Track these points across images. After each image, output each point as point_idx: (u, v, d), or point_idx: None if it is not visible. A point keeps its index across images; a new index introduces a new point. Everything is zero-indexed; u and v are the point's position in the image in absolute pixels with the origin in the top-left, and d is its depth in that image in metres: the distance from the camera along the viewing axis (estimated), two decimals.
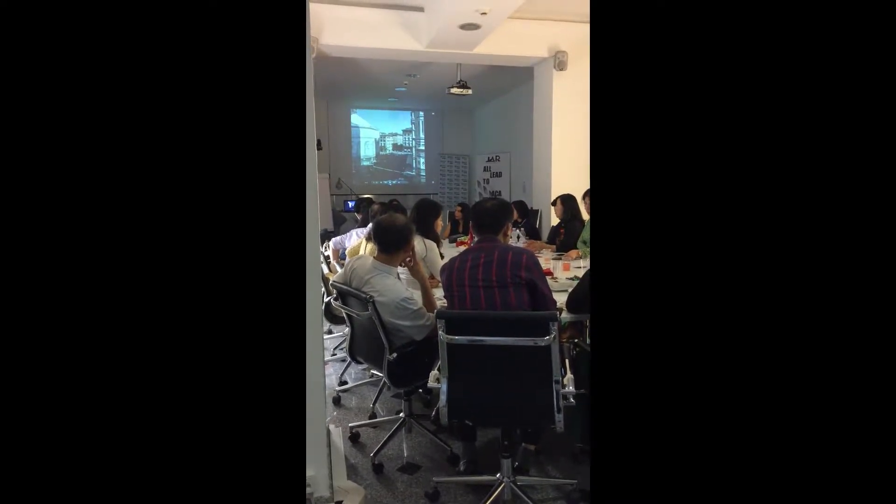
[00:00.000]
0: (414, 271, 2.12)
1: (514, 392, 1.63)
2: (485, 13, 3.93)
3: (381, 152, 9.31)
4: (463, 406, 1.66)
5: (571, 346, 2.02)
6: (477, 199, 8.50)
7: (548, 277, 2.76)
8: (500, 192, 7.94)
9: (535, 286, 1.79)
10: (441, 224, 2.99)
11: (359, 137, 9.11)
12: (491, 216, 1.94)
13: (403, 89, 7.51)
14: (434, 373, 1.68)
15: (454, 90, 5.67)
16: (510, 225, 2.01)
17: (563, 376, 1.62)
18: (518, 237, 4.59)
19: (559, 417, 1.59)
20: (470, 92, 5.73)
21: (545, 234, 5.11)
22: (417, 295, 2.07)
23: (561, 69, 5.06)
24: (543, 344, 1.52)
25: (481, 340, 1.55)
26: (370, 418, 2.52)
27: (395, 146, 9.38)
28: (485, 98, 8.06)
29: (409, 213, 5.89)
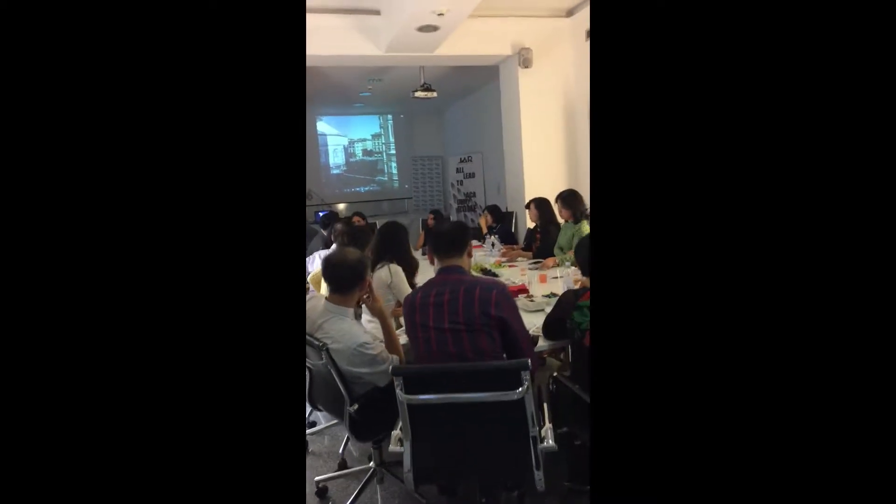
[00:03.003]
0: (373, 308, 1.92)
1: (486, 451, 1.45)
2: (442, 14, 3.74)
3: (350, 159, 9.05)
4: (430, 470, 1.47)
5: (550, 382, 1.84)
6: (451, 203, 8.32)
7: (522, 297, 2.59)
8: (474, 193, 7.76)
9: (507, 325, 1.60)
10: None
11: (326, 145, 8.84)
12: (449, 239, 1.75)
13: (368, 94, 7.28)
14: (396, 433, 1.48)
15: (418, 94, 5.46)
16: (472, 243, 1.82)
17: (542, 426, 1.44)
18: (493, 244, 4.42)
19: (539, 475, 1.41)
20: (435, 95, 5.53)
21: (522, 236, 4.94)
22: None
23: (526, 66, 4.89)
24: (515, 398, 1.33)
25: (444, 399, 1.36)
26: (339, 467, 2.32)
27: (366, 152, 9.14)
28: (453, 97, 7.86)
29: (377, 225, 5.70)
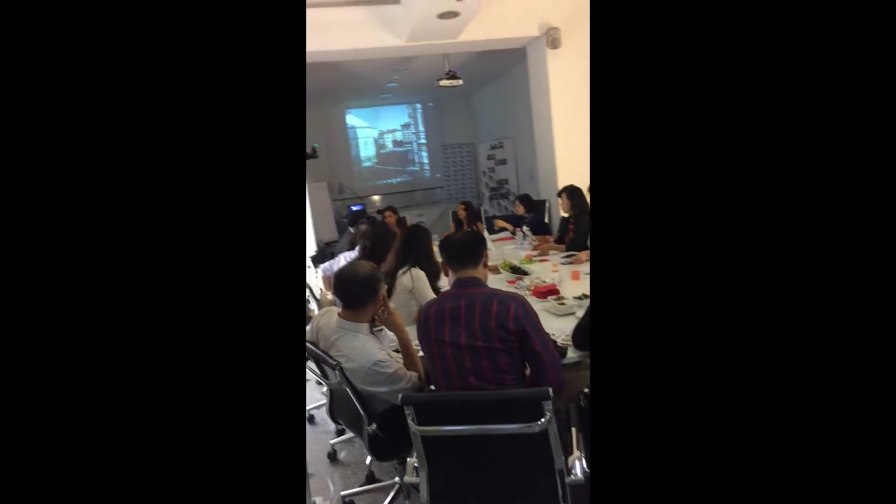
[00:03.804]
0: (389, 323, 1.83)
1: (508, 483, 1.33)
2: None
3: (381, 151, 8.99)
4: (449, 501, 1.37)
5: (581, 398, 1.71)
6: (483, 191, 8.16)
7: (552, 299, 2.44)
8: (506, 180, 7.57)
9: (528, 339, 1.47)
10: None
11: (356, 138, 8.80)
12: (463, 248, 1.62)
13: (395, 84, 7.16)
14: (411, 461, 1.39)
15: (443, 82, 5.31)
16: (488, 254, 1.69)
17: (569, 455, 1.31)
18: (524, 235, 4.26)
19: None
20: (461, 82, 5.36)
21: (556, 226, 4.75)
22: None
23: (554, 47, 4.65)
24: (538, 430, 1.21)
25: (458, 431, 1.25)
26: (367, 479, 2.26)
27: (396, 142, 9.05)
28: (482, 83, 7.65)
29: (406, 220, 5.61)
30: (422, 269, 2.41)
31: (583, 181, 3.81)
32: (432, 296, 2.28)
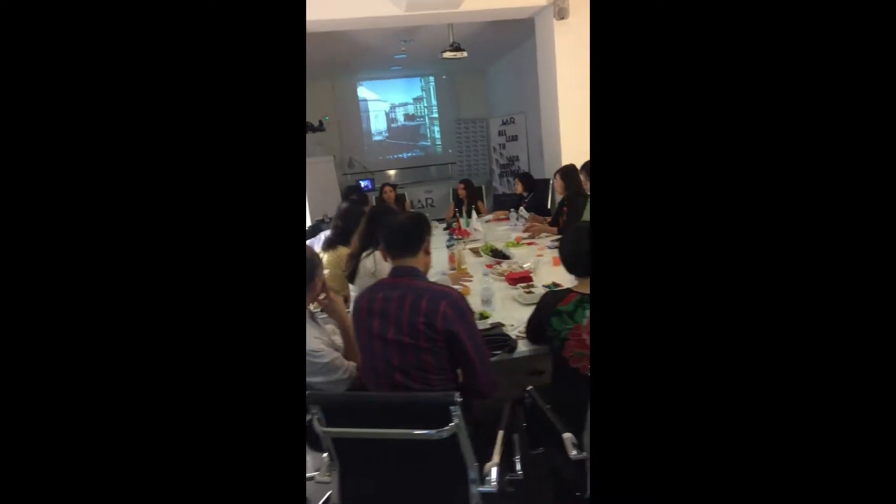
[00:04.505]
0: (330, 310, 1.75)
1: (424, 492, 1.25)
2: None
3: (392, 125, 8.84)
4: None
5: (526, 395, 1.61)
6: (494, 168, 7.96)
7: (521, 287, 2.33)
8: (517, 157, 7.37)
9: (456, 340, 1.37)
10: None
11: (368, 111, 8.66)
12: (400, 234, 1.52)
13: (404, 56, 6.97)
14: (324, 458, 1.32)
15: (447, 54, 5.11)
16: (430, 240, 1.59)
17: (487, 462, 1.23)
18: (517, 217, 4.12)
19: None
20: (465, 55, 5.15)
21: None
22: None
23: (562, 17, 4.41)
24: (445, 436, 1.13)
25: (364, 433, 1.18)
26: None
27: (407, 116, 8.87)
28: (496, 54, 7.39)
29: (405, 196, 5.48)
30: None
31: (587, 159, 3.63)
32: None
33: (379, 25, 4.81)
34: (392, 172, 8.63)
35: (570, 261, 1.62)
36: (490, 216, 4.71)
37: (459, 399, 1.10)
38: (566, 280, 2.44)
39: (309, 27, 4.37)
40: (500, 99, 8.15)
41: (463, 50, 5.12)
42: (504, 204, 5.26)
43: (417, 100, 8.84)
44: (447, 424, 1.12)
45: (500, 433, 1.33)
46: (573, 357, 1.52)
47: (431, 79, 8.77)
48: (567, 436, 1.32)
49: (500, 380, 1.46)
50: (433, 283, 1.51)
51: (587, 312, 1.50)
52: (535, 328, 1.67)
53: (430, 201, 7.64)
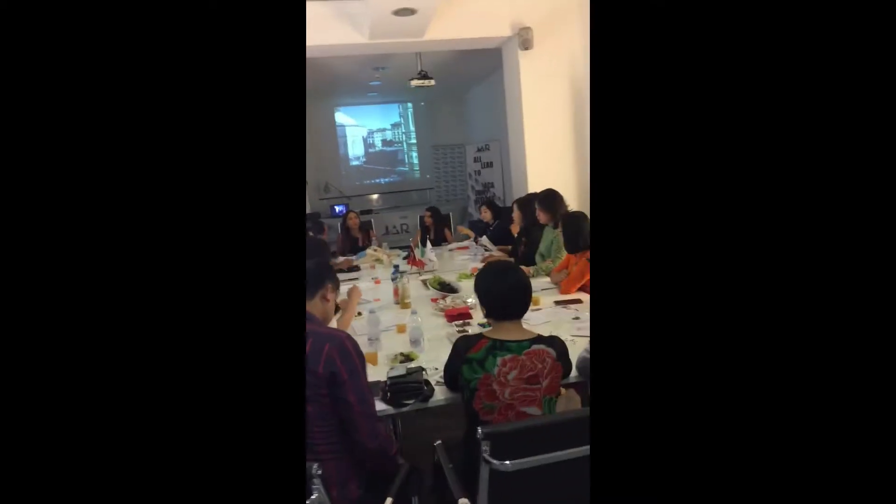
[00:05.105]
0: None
1: None
2: None
3: (370, 150, 8.82)
4: None
5: (436, 451, 1.50)
6: (469, 194, 7.93)
7: (455, 324, 2.24)
8: (492, 183, 7.35)
9: (337, 382, 1.27)
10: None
11: (345, 136, 8.64)
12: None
13: (378, 83, 6.98)
14: None
15: (415, 82, 5.11)
16: (330, 288, 1.50)
17: None
18: (479, 245, 4.05)
19: None
20: (433, 83, 5.16)
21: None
22: None
23: (526, 48, 4.42)
24: None
25: None
26: None
27: (385, 142, 8.87)
28: (474, 81, 7.42)
29: (371, 224, 5.38)
30: None
31: (553, 186, 3.57)
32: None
33: (344, 53, 4.80)
34: (375, 197, 8.58)
35: (484, 301, 1.53)
36: (454, 245, 4.63)
37: (319, 471, 0.99)
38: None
39: None
40: (477, 125, 8.18)
41: (431, 78, 5.13)
42: (479, 231, 5.20)
43: (395, 125, 8.85)
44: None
45: (389, 501, 1.22)
46: (483, 409, 1.42)
47: (410, 105, 8.79)
48: (463, 501, 1.21)
49: (392, 445, 1.35)
50: (326, 328, 1.42)
51: (498, 361, 1.41)
52: (451, 375, 1.57)
53: (404, 227, 7.57)
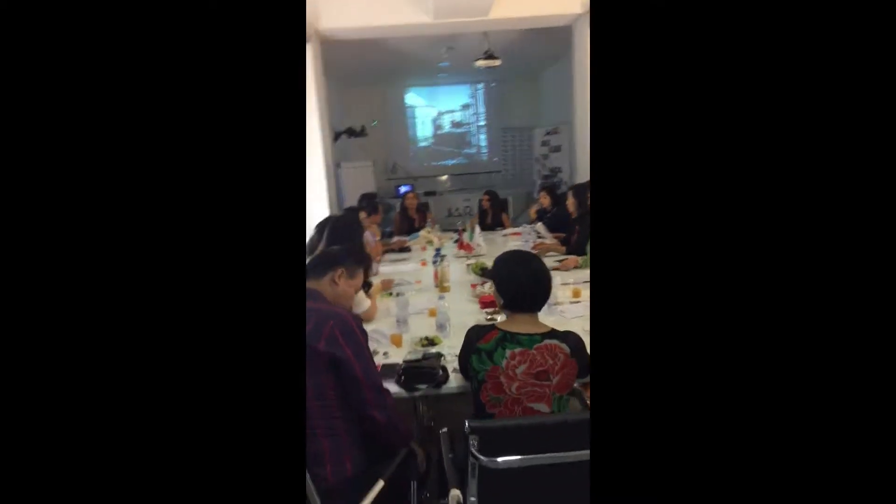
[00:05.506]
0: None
1: None
2: None
3: (438, 131, 8.81)
4: None
5: (442, 436, 1.48)
6: (535, 178, 7.73)
7: (486, 311, 2.19)
8: (560, 168, 7.11)
9: (341, 366, 1.28)
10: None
11: (414, 118, 8.68)
12: (314, 259, 1.45)
13: (447, 64, 6.92)
14: None
15: (480, 62, 5.01)
16: (343, 273, 1.50)
17: None
18: (532, 232, 3.94)
19: None
20: (498, 63, 5.03)
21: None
22: None
23: None
24: None
25: None
26: None
27: (454, 123, 8.81)
28: (548, 62, 7.18)
29: (428, 206, 5.38)
30: None
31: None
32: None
33: (409, 33, 4.78)
34: (443, 178, 8.59)
35: (500, 290, 1.48)
36: (509, 231, 4.54)
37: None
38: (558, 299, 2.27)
39: (345, 35, 4.42)
40: (549, 108, 7.91)
41: (497, 58, 5.00)
42: (541, 217, 5.07)
43: (465, 107, 8.76)
44: None
45: (380, 483, 1.21)
46: (489, 402, 1.38)
47: (480, 86, 8.67)
48: (454, 493, 1.19)
49: (401, 420, 1.34)
50: (332, 306, 1.42)
51: (507, 353, 1.36)
52: (463, 364, 1.53)
53: (468, 209, 7.54)
